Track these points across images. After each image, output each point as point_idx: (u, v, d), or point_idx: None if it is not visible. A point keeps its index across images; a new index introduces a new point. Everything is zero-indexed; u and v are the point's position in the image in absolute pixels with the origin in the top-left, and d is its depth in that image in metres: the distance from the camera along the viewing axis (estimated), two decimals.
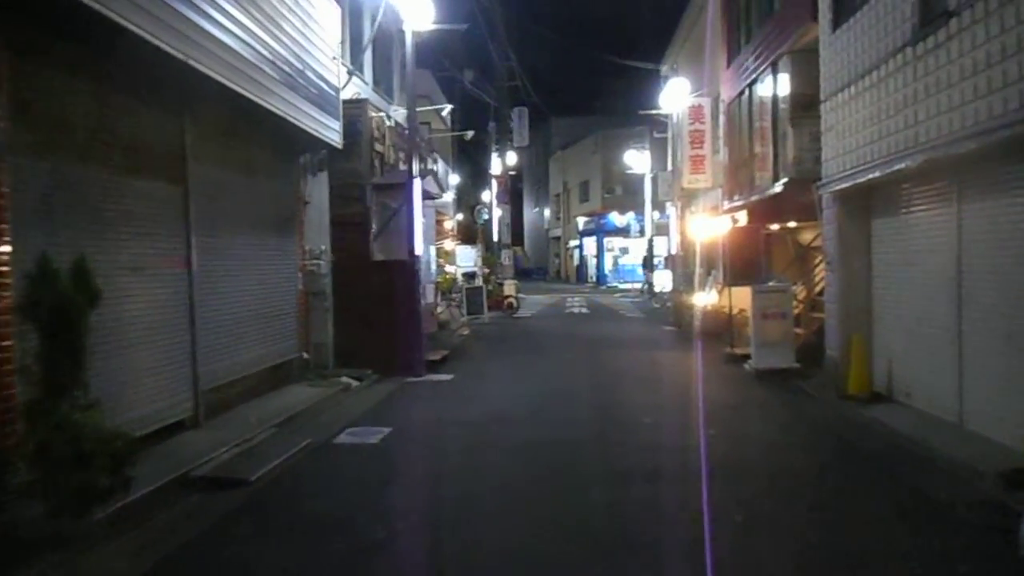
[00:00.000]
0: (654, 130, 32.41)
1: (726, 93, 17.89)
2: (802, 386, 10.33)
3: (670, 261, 31.97)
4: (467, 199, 44.51)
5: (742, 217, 13.72)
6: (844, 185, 9.62)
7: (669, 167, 29.72)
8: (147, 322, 6.51)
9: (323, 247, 11.07)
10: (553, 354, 13.86)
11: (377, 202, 11.45)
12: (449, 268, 26.41)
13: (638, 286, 34.01)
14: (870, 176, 8.81)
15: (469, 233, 38.65)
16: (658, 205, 32.22)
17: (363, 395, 9.82)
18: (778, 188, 12.87)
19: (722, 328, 16.05)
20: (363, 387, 10.38)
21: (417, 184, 11.09)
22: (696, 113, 17.77)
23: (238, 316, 8.32)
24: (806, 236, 15.17)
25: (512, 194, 58.58)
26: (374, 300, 11.35)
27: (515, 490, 5.78)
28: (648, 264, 32.52)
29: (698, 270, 20.06)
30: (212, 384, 7.63)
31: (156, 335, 6.64)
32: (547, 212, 56.50)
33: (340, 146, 10.53)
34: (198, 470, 6.02)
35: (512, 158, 32.25)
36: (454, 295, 22.46)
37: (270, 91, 7.94)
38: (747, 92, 15.86)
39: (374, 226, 11.37)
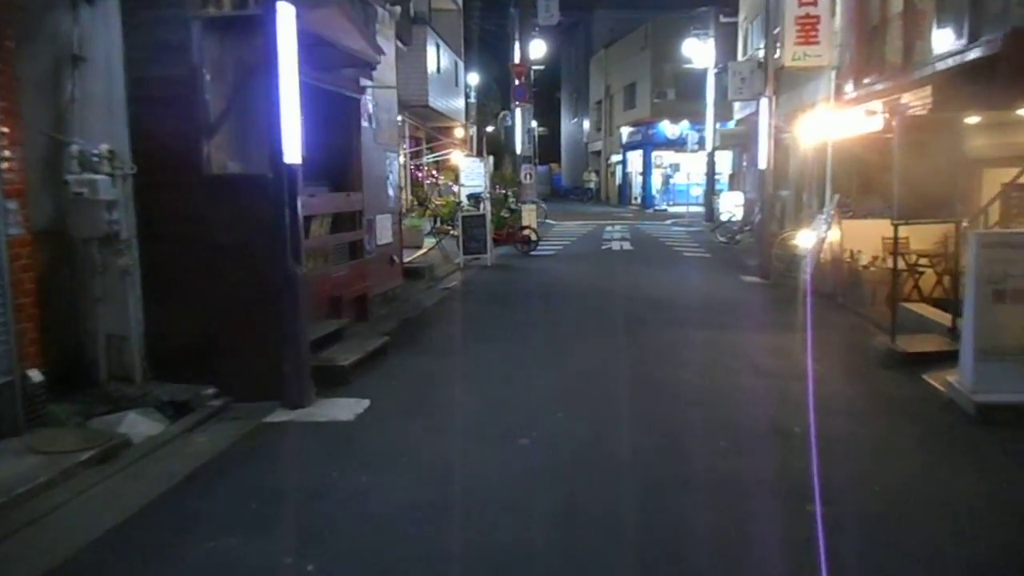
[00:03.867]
0: (720, 12, 25.70)
1: None
2: None
3: (736, 180, 25.87)
4: (492, 107, 38.42)
5: (919, 101, 7.74)
6: None
7: (741, 55, 23.16)
8: None
9: (106, 147, 5.50)
10: (569, 341, 8.15)
11: (219, 59, 5.77)
12: (457, 189, 20.82)
13: (695, 209, 27.90)
14: None
15: (494, 149, 32.80)
16: (722, 112, 25.76)
17: (117, 484, 4.32)
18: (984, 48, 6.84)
19: (846, 286, 10.27)
20: (157, 443, 4.94)
21: (286, 15, 5.35)
22: None
23: None
24: (978, 142, 9.23)
25: (547, 103, 51.88)
26: (219, 254, 5.85)
27: None
28: (709, 183, 26.37)
29: (802, 195, 14.14)
30: None
31: None
32: (586, 124, 49.72)
33: None
34: None
35: (540, 49, 25.81)
36: (451, 226, 16.94)
37: None
38: None
39: (210, 105, 5.71)
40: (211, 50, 5.74)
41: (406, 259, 13.35)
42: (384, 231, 9.80)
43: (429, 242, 15.65)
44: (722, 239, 18.73)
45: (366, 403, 5.70)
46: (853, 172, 12.38)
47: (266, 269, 5.65)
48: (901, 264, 10.34)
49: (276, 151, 5.41)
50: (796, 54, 11.70)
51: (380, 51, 8.23)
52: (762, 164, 12.70)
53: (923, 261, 10.26)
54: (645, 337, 8.20)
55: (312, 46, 6.76)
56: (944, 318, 7.72)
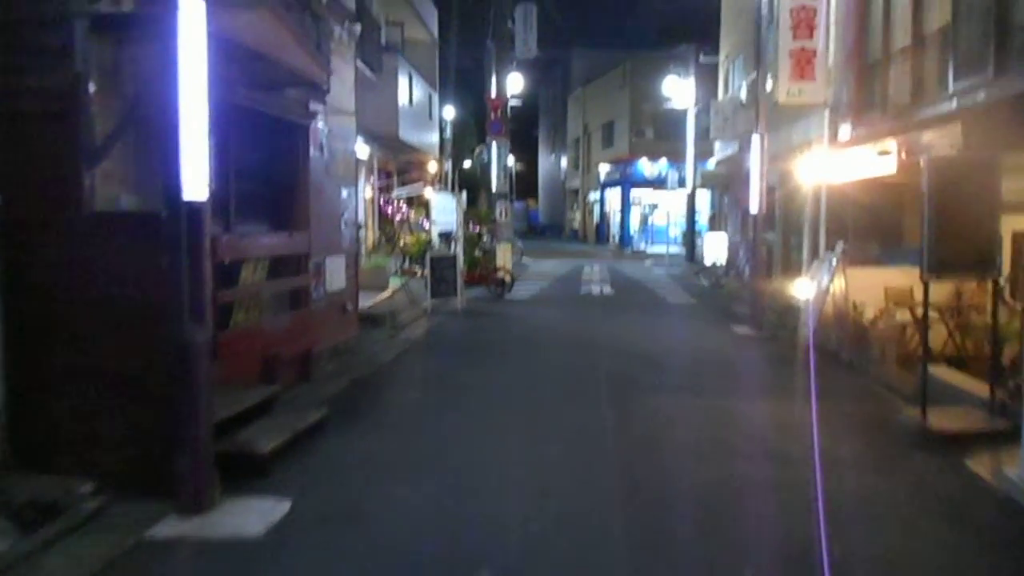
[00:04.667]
0: (700, 51, 25.14)
1: None
2: None
3: (717, 221, 25.10)
4: (468, 142, 37.66)
5: (944, 140, 6.79)
6: None
7: (722, 94, 22.51)
8: None
9: None
10: (545, 412, 6.94)
11: (112, 67, 4.62)
12: (428, 226, 19.73)
13: (675, 250, 27.03)
14: None
15: (470, 185, 31.89)
16: (703, 151, 25.08)
17: None
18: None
19: (852, 343, 9.25)
20: None
21: (193, 14, 4.22)
22: None
23: None
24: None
25: (524, 140, 51.20)
26: (103, 312, 4.62)
27: None
28: (689, 224, 25.60)
29: (790, 239, 13.22)
30: None
31: None
32: (564, 161, 49.14)
33: None
34: None
35: (518, 83, 25.00)
36: (419, 266, 15.85)
37: None
38: None
39: (97, 124, 4.54)
40: (101, 56, 4.59)
41: (367, 303, 12.16)
42: (336, 275, 8.63)
43: (395, 283, 14.47)
44: (706, 283, 17.79)
45: (286, 506, 4.47)
46: (848, 216, 11.50)
47: (159, 332, 4.44)
48: (907, 318, 9.43)
49: (173, 184, 4.24)
50: (791, 90, 10.85)
51: (326, 70, 7.15)
52: (754, 207, 11.76)
53: (931, 315, 9.33)
54: (634, 406, 7.05)
55: (245, 60, 5.68)
56: (977, 387, 6.71)
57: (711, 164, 24.70)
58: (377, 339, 10.12)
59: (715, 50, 23.88)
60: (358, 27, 9.09)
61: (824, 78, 10.71)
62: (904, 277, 10.16)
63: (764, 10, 11.78)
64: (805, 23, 10.69)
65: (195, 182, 4.28)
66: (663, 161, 32.38)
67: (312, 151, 7.91)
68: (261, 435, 5.31)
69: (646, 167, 33.86)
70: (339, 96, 8.66)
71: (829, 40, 11.18)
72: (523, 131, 46.70)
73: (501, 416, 6.72)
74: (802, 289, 10.32)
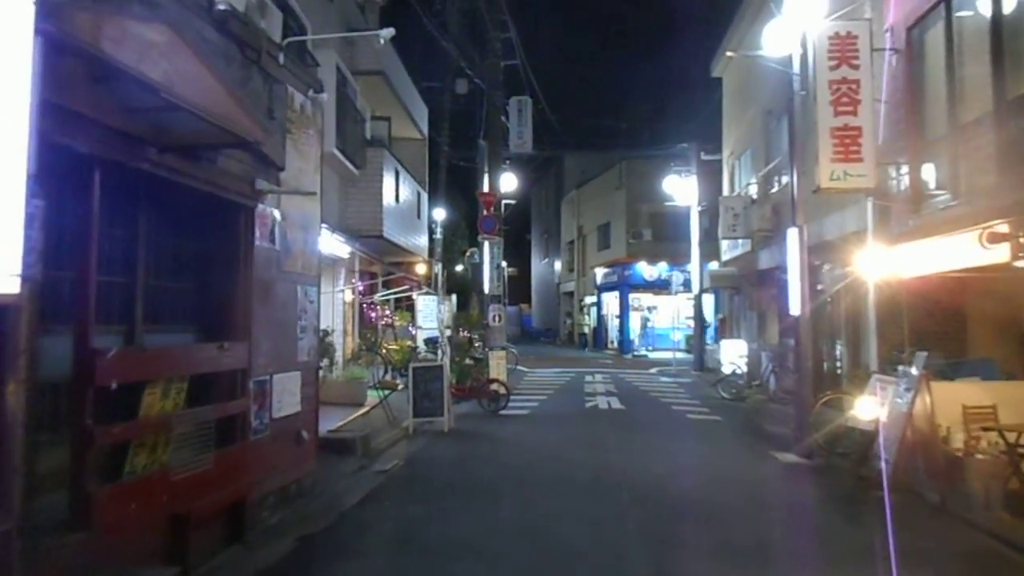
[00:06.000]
0: (702, 149, 24.21)
1: (900, 12, 9.51)
2: None
3: (727, 326, 23.44)
4: (459, 244, 36.47)
5: None
6: None
7: (727, 189, 21.35)
8: None
9: None
10: None
11: None
12: (415, 332, 18.03)
13: (680, 356, 25.15)
14: None
15: (461, 288, 30.50)
16: (707, 252, 23.73)
17: None
18: None
19: (943, 479, 7.31)
20: None
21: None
22: (843, 48, 9.33)
23: None
24: None
25: (517, 245, 50.26)
26: None
27: None
28: (698, 329, 23.89)
29: (822, 346, 11.45)
30: None
31: None
32: (558, 264, 47.99)
33: None
34: None
35: (510, 182, 23.80)
36: (401, 377, 13.99)
37: None
38: None
39: None
40: None
41: (337, 424, 10.23)
42: (287, 396, 6.75)
43: (375, 396, 12.52)
44: (725, 395, 15.85)
45: None
46: (904, 320, 9.81)
47: None
48: (995, 442, 7.58)
49: None
50: (834, 173, 9.31)
51: (278, 139, 5.52)
52: (795, 308, 10.02)
53: None
54: None
55: (151, 110, 4.02)
56: None
57: (713, 265, 23.28)
58: (343, 473, 8.10)
59: (717, 148, 22.95)
60: (325, 96, 7.58)
61: (872, 159, 9.22)
62: (983, 393, 8.37)
63: (796, 85, 10.42)
64: (847, 97, 9.29)
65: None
66: (662, 264, 31.13)
67: (258, 240, 6.20)
68: None
69: (645, 270, 32.54)
70: (299, 176, 7.05)
71: (871, 116, 9.80)
72: (516, 235, 45.78)
73: None
74: (865, 409, 8.45)
